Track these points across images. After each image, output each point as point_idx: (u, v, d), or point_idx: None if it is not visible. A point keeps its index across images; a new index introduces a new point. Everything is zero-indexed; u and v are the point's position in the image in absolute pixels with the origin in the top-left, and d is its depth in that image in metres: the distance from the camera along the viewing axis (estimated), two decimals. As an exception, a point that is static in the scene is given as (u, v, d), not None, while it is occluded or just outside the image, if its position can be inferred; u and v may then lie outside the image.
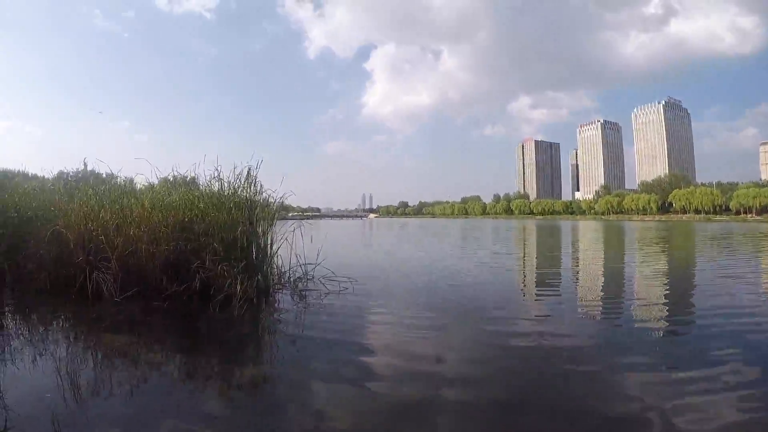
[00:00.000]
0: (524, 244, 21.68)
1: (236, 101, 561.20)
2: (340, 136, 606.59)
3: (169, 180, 8.64)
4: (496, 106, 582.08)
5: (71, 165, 9.48)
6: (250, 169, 8.01)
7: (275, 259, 8.15)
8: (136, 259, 7.56)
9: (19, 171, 13.60)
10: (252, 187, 8.01)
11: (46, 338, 5.74)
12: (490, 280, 9.69)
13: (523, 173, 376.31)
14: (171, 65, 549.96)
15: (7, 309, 7.39)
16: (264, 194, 8.18)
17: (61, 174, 9.35)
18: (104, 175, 9.36)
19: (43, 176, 11.02)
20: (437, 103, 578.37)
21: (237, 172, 8.05)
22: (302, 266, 8.35)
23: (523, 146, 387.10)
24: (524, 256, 15.36)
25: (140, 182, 9.16)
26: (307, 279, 8.31)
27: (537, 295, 8.08)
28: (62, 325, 6.57)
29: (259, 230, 7.91)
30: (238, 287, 6.73)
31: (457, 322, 5.95)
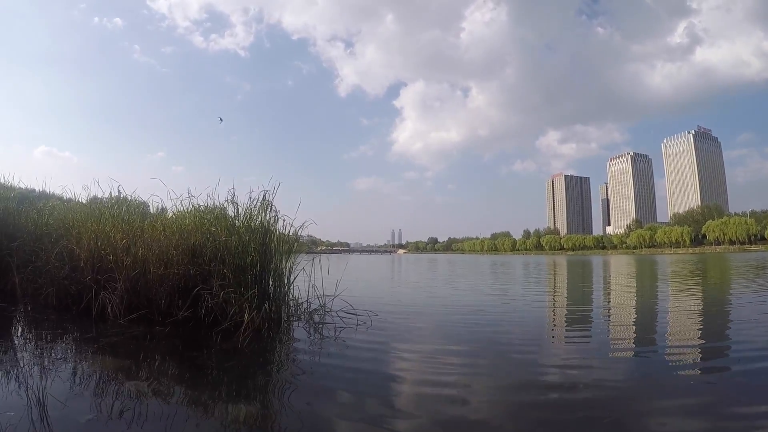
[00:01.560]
0: (554, 280, 20.88)
1: (269, 135, 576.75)
2: (370, 172, 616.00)
3: (199, 207, 8.35)
4: (525, 141, 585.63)
5: (105, 191, 9.24)
6: (265, 193, 7.68)
7: (291, 289, 7.76)
8: (144, 280, 7.35)
9: (51, 193, 13.56)
10: (268, 213, 7.64)
11: (37, 354, 5.48)
12: (519, 318, 9.15)
13: (553, 208, 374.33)
14: (206, 99, 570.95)
15: (12, 322, 7.24)
16: (282, 221, 7.78)
17: (94, 199, 9.26)
18: (137, 203, 9.22)
19: (71, 199, 10.97)
20: (466, 139, 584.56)
21: (252, 197, 7.71)
22: (320, 298, 7.94)
23: (552, 181, 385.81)
24: (554, 294, 14.67)
25: (172, 210, 8.91)
26: (325, 311, 7.89)
27: (567, 335, 7.51)
28: (59, 342, 6.28)
29: (275, 257, 7.54)
30: (246, 316, 6.39)
31: (484, 367, 5.43)
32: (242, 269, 7.11)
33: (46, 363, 5.05)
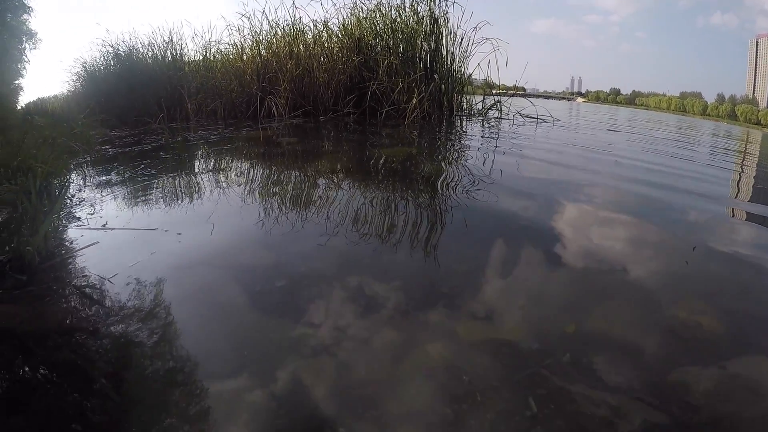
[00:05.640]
0: (746, 155, 18.00)
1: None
2: (548, 13, 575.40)
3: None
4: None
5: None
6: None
7: (467, 76, 7.28)
8: (308, 79, 7.31)
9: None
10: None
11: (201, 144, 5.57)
12: (698, 188, 7.71)
13: (754, 74, 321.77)
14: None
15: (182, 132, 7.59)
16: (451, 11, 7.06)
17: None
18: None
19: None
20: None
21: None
22: (496, 95, 7.26)
23: (756, 42, 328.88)
24: (743, 168, 12.53)
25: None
26: (501, 108, 7.23)
27: (749, 215, 6.05)
28: (223, 134, 6.32)
29: (445, 48, 6.93)
30: (414, 99, 5.96)
31: (650, 237, 4.40)
32: (410, 58, 6.65)
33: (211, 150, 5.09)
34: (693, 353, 1.46)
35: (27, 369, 1.26)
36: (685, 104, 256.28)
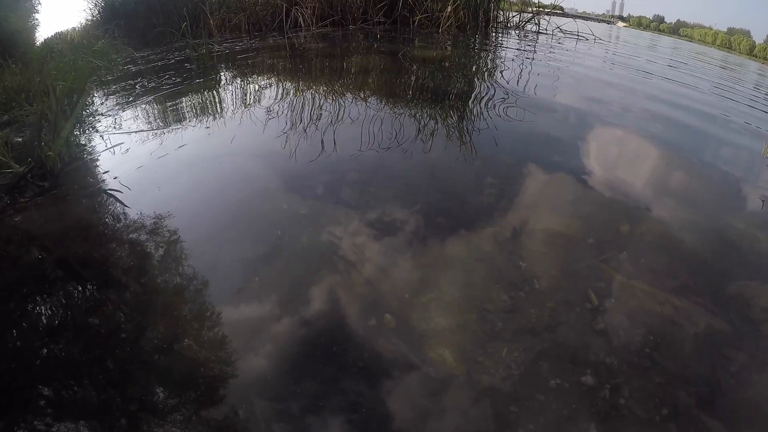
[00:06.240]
0: None
1: None
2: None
3: None
4: None
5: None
6: None
7: None
8: None
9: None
10: None
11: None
12: (735, 127, 7.27)
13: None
14: None
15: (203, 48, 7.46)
16: None
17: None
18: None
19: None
20: None
21: None
22: (533, 12, 6.96)
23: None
24: None
25: None
26: (539, 22, 6.89)
27: None
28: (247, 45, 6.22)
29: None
30: (449, 7, 5.70)
31: (678, 178, 4.11)
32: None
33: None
34: (752, 268, 1.37)
35: (47, 266, 1.24)
36: (732, 41, 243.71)
